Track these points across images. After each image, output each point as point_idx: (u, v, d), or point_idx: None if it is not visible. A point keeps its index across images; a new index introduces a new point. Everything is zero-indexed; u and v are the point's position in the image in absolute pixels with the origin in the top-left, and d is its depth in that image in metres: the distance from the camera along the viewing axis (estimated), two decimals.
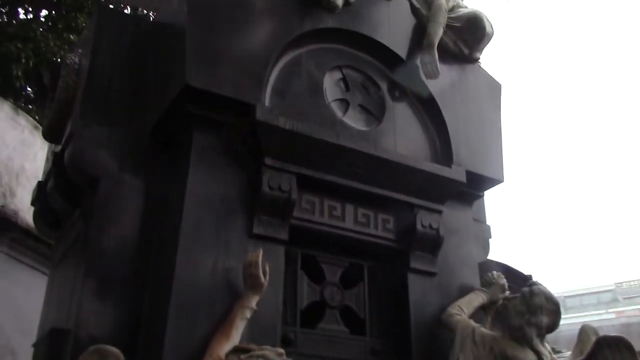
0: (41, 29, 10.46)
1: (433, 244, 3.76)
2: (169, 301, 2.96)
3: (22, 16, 12.04)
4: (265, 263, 3.09)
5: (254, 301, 3.06)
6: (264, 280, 3.07)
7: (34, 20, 11.53)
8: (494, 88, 4.46)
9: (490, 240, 4.54)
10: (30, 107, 10.69)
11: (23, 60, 8.70)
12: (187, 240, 3.10)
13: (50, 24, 11.37)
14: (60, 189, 3.75)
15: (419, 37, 4.14)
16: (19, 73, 8.62)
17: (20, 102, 9.50)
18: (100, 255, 3.23)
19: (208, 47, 3.37)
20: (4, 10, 12.05)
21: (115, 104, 3.62)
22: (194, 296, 3.02)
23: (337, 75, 3.89)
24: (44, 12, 12.14)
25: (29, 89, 11.12)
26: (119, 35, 3.77)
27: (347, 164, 3.58)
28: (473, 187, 4.08)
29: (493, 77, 4.50)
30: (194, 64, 3.29)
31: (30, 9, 12.07)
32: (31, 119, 6.21)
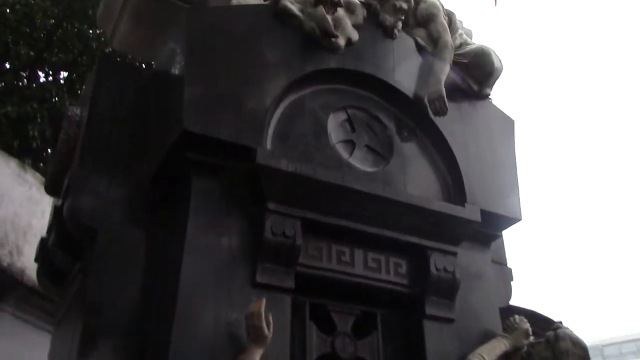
0: (59, 91, 10.65)
1: (449, 288, 3.56)
2: (167, 356, 2.80)
3: (42, 79, 12.29)
4: (269, 313, 2.91)
5: (257, 355, 2.88)
6: (268, 331, 2.89)
7: (53, 82, 11.75)
8: (507, 124, 4.32)
9: (512, 283, 4.32)
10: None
11: (39, 120, 8.81)
12: (186, 291, 2.95)
13: (68, 85, 11.56)
14: (60, 243, 3.65)
15: (426, 75, 4.03)
16: (35, 133, 8.71)
17: (38, 163, 9.58)
18: (98, 310, 3.10)
19: (206, 92, 3.29)
20: (24, 74, 12.31)
21: (116, 154, 3.53)
22: (195, 350, 2.85)
23: (342, 116, 3.78)
24: (64, 74, 12.38)
25: (49, 150, 11.25)
26: (120, 84, 3.72)
27: (354, 206, 3.43)
28: (490, 226, 3.89)
29: (505, 112, 4.36)
30: (192, 109, 3.20)
31: (50, 72, 12.32)
32: (39, 175, 6.21)
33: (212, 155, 3.24)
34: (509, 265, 4.39)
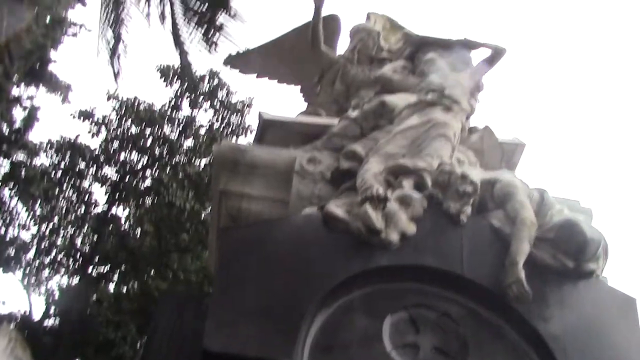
0: None
1: None
2: None
3: None
4: None
5: None
6: None
7: None
8: (626, 304, 3.51)
9: None
10: None
11: None
12: None
13: None
14: None
15: (503, 259, 3.51)
16: None
17: None
18: None
19: (232, 308, 3.12)
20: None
21: None
22: None
23: (403, 316, 3.32)
24: None
25: None
26: (179, 313, 3.68)
27: None
28: None
29: (623, 291, 3.58)
30: (214, 324, 3.04)
31: None
32: None
33: None
34: None
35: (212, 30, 5.24)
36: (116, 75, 5.56)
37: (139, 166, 12.69)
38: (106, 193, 12.91)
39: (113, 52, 5.49)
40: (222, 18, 5.32)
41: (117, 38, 5.46)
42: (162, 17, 5.26)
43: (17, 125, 12.51)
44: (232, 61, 6.17)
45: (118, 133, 12.63)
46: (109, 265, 12.90)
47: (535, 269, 3.47)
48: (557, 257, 3.58)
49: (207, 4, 5.24)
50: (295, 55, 5.98)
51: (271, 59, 6.06)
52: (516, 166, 5.63)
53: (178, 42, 5.33)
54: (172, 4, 5.26)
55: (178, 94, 12.75)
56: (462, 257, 3.54)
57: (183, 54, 5.56)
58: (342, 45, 6.17)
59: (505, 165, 5.43)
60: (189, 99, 12.81)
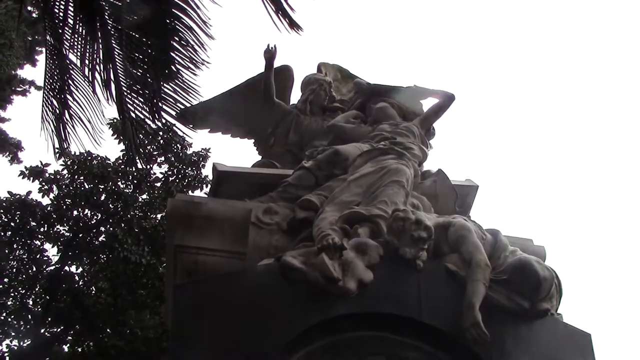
0: None
1: None
2: None
3: None
4: None
5: None
6: None
7: None
8: (581, 339, 3.59)
9: None
10: None
11: None
12: None
13: None
14: None
15: (459, 302, 3.55)
16: None
17: None
18: None
19: None
20: None
21: None
22: None
23: None
24: None
25: None
26: None
27: None
28: None
29: (578, 327, 3.65)
30: None
31: None
32: None
33: None
34: None
35: (156, 100, 5.21)
36: (63, 140, 5.40)
37: (93, 222, 12.43)
38: (59, 251, 12.56)
39: (58, 120, 5.37)
40: (168, 87, 5.29)
41: (63, 105, 5.34)
42: (106, 84, 5.19)
43: None
44: (185, 116, 6.16)
45: (71, 189, 12.38)
46: (63, 325, 12.48)
47: (491, 311, 3.52)
48: (512, 298, 3.63)
49: (150, 75, 5.21)
50: (248, 107, 6.02)
51: (224, 112, 6.08)
52: (470, 208, 5.73)
53: (122, 110, 5.26)
54: (116, 72, 5.20)
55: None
56: (420, 302, 3.57)
57: (126, 122, 5.47)
58: (296, 94, 6.27)
59: (459, 208, 5.54)
60: (142, 155, 12.66)
